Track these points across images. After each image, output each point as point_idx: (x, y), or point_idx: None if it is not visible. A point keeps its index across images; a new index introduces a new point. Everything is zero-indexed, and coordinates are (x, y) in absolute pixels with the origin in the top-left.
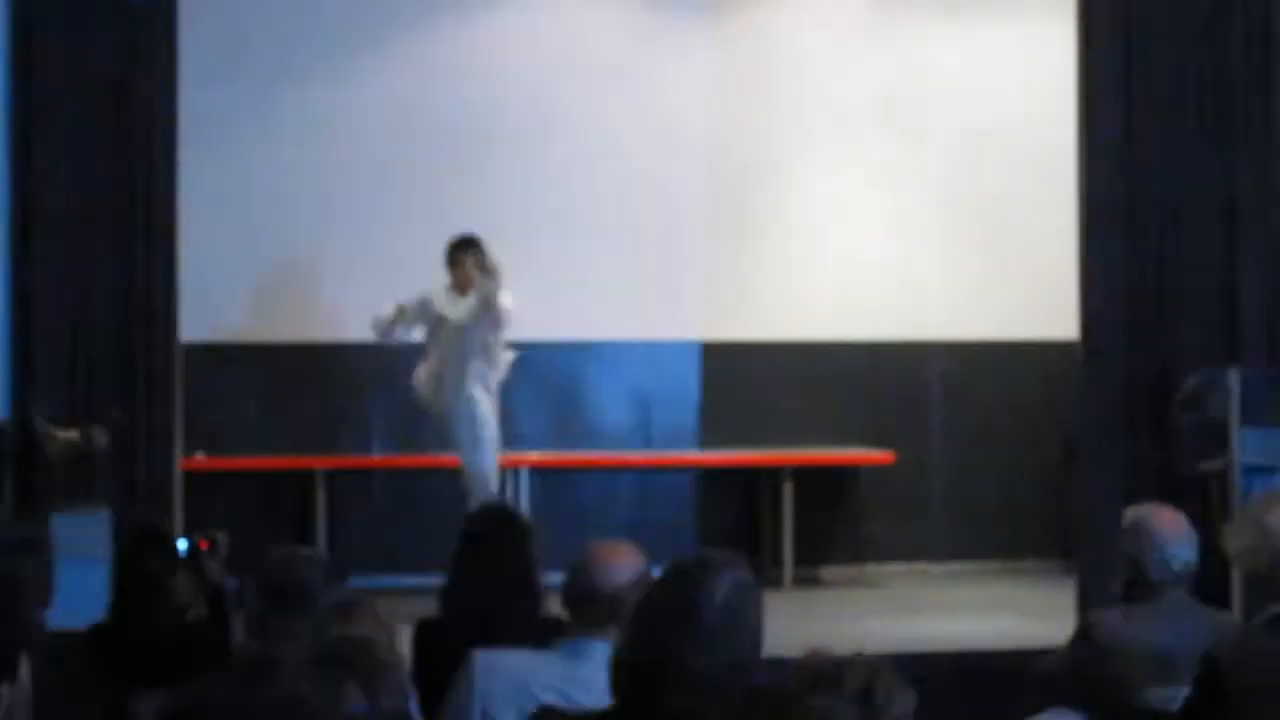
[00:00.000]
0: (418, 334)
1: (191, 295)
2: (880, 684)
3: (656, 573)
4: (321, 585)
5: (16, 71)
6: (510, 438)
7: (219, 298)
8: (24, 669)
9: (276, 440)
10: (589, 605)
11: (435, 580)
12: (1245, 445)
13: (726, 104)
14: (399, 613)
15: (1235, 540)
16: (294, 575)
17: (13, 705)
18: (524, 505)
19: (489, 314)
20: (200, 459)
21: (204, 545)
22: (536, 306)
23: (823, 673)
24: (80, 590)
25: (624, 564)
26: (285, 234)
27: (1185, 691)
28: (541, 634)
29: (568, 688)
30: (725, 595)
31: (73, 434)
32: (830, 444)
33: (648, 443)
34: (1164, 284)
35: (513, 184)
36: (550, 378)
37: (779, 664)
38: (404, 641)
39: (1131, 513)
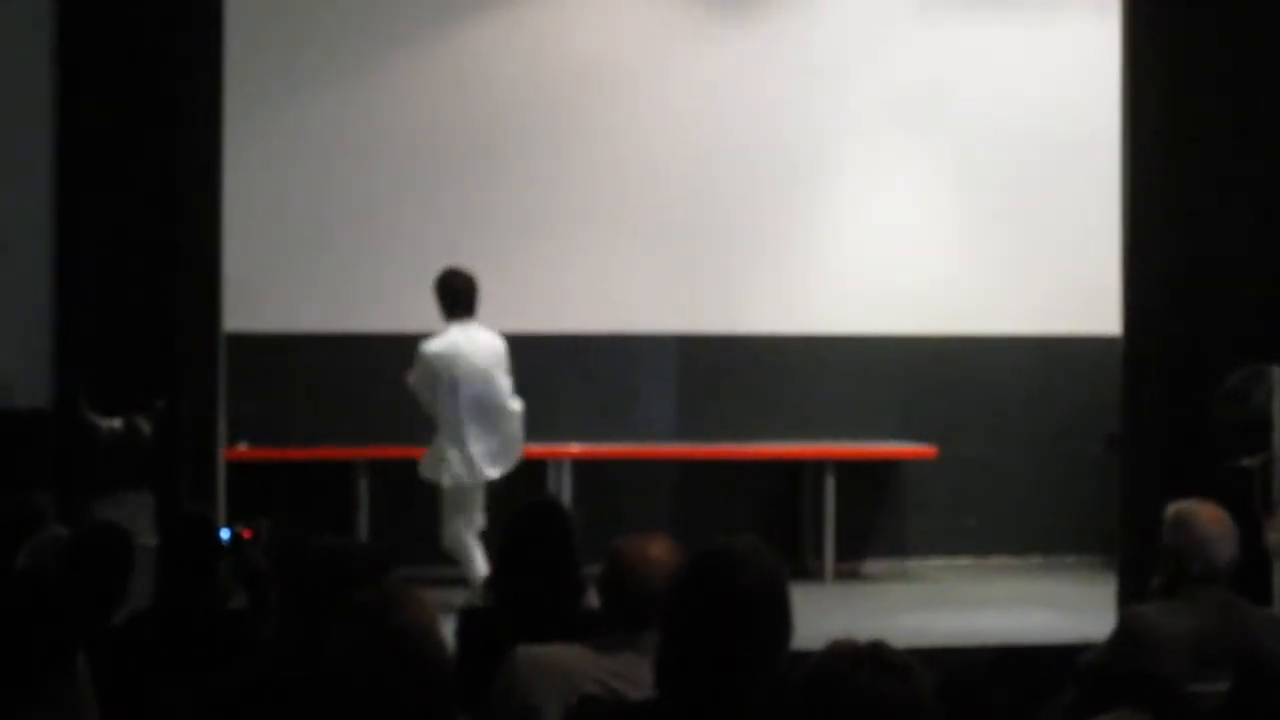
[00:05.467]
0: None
1: (235, 286)
2: (915, 662)
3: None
4: (364, 575)
5: (60, 57)
6: (552, 430)
7: (262, 288)
8: (81, 662)
9: (319, 430)
10: (623, 600)
11: None
12: None
13: (769, 99)
14: (443, 602)
15: (1276, 536)
16: (337, 565)
17: (69, 691)
18: (565, 497)
19: None
20: (243, 449)
21: (247, 535)
22: (579, 300)
23: (861, 654)
24: None
25: (656, 558)
26: (329, 225)
27: (1225, 688)
28: (584, 625)
29: (610, 680)
30: (754, 580)
31: (116, 423)
32: (872, 438)
33: (689, 435)
34: (1206, 279)
35: (554, 179)
36: (592, 370)
37: (804, 656)
38: (448, 631)
39: (1173, 508)
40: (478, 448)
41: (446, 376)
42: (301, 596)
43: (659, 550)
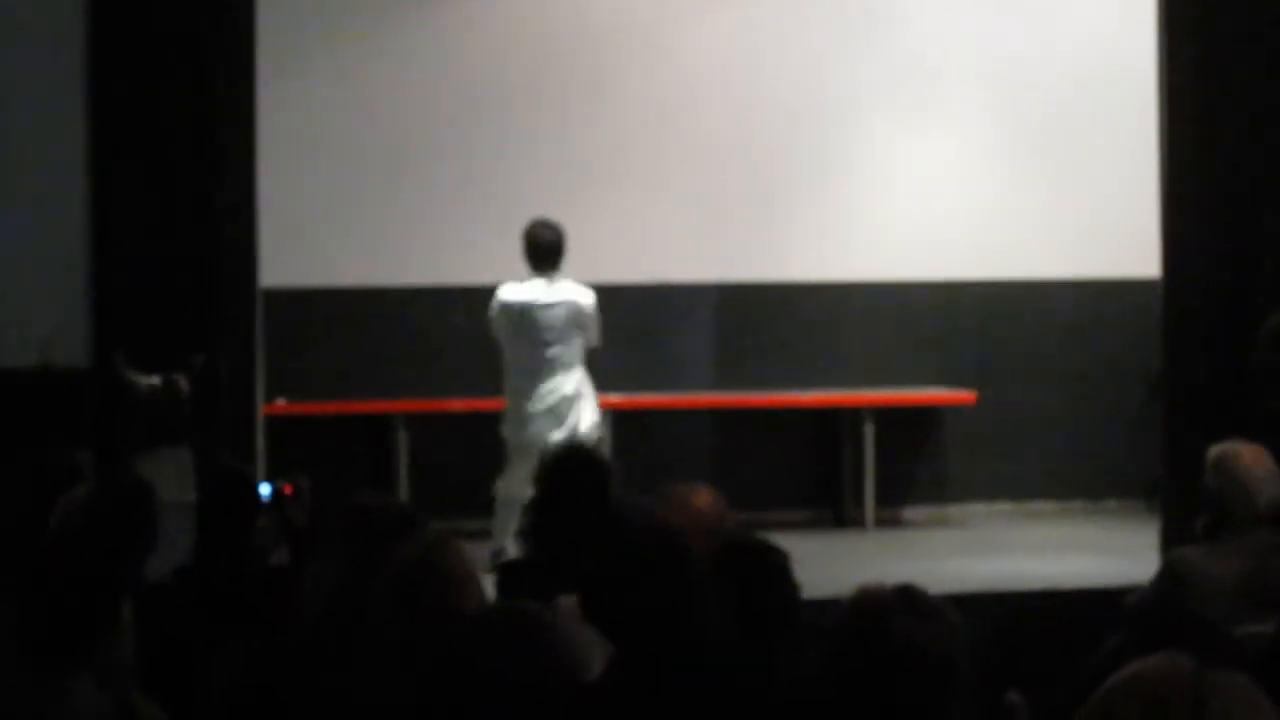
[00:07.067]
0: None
1: (271, 240)
2: (946, 605)
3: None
4: (404, 529)
5: (94, 8)
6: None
7: (299, 242)
8: (126, 615)
9: (357, 385)
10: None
11: None
12: None
13: (806, 47)
14: (482, 556)
15: None
16: (376, 519)
17: (116, 652)
18: (605, 447)
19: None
20: (281, 404)
21: (287, 490)
22: (616, 249)
23: (892, 599)
24: (164, 536)
25: (699, 508)
26: (365, 179)
27: (1270, 629)
28: None
29: None
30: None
31: (155, 380)
32: (911, 384)
33: (728, 384)
34: (1246, 220)
35: (591, 128)
36: (630, 320)
37: (829, 605)
38: (487, 584)
39: (1215, 450)
40: None
41: None
42: (343, 552)
43: (703, 500)
